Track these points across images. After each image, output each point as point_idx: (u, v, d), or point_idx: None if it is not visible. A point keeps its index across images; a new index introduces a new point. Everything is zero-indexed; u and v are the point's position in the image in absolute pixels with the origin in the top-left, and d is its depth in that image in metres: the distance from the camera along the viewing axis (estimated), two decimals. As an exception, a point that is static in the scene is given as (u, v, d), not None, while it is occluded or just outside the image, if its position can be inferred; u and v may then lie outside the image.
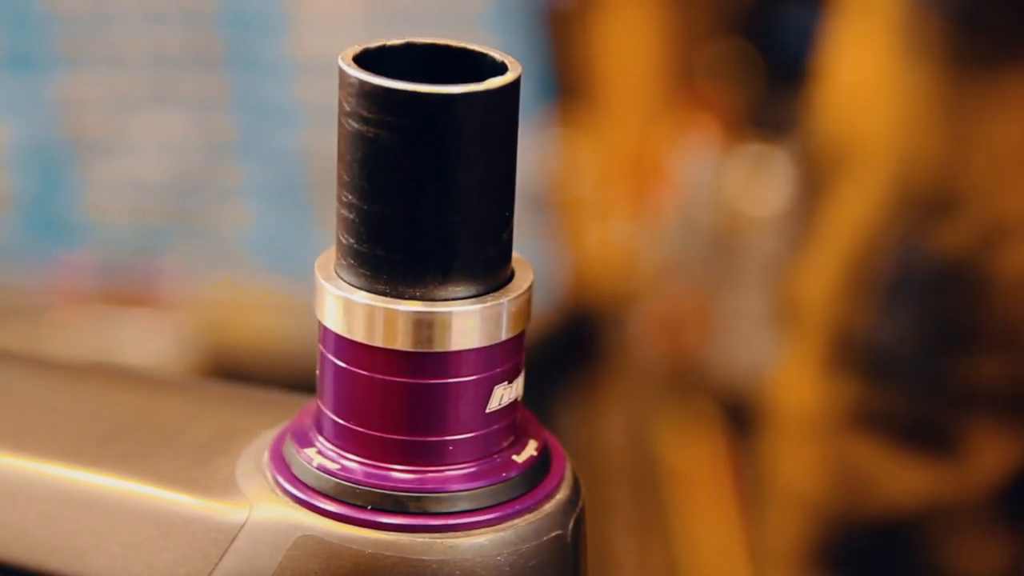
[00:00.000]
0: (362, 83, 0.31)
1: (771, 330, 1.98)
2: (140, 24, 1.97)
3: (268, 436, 0.34)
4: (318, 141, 1.94)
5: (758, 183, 1.98)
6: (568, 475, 0.34)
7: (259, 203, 2.00)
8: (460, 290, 0.32)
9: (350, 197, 0.32)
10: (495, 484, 0.32)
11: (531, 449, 0.33)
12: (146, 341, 1.88)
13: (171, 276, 2.00)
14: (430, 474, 0.32)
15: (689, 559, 2.01)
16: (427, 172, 0.31)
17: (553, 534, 0.32)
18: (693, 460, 2.03)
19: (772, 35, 2.02)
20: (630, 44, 1.90)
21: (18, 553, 0.33)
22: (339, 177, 0.32)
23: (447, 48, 0.35)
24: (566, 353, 1.83)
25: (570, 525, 0.33)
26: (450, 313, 0.32)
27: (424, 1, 1.89)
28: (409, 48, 0.35)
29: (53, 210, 2.07)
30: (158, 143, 2.02)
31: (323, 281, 0.32)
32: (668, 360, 1.99)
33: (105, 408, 0.36)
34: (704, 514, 2.02)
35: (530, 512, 0.32)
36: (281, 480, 0.32)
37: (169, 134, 2.01)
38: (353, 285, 0.32)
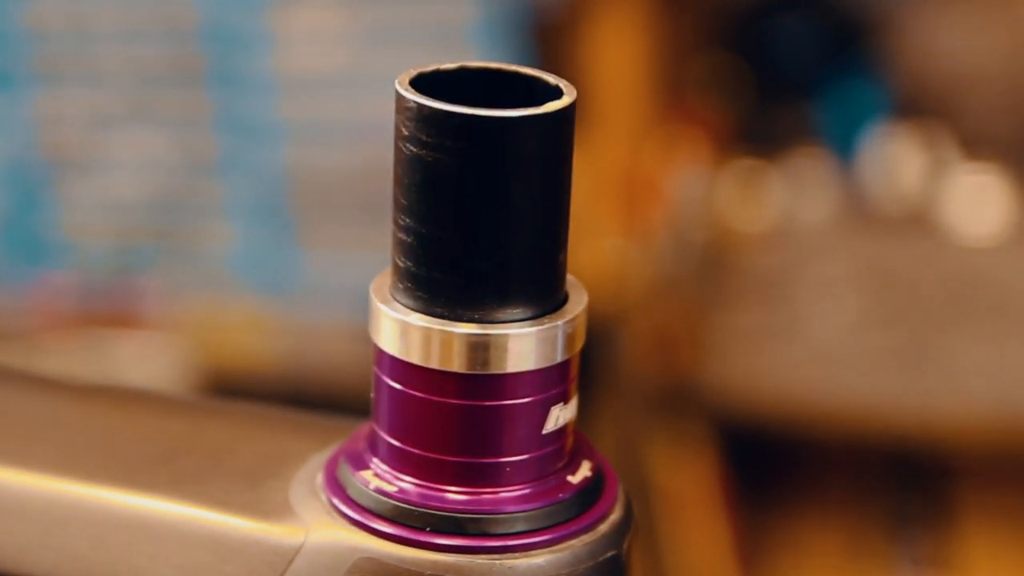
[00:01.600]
0: (421, 107, 0.32)
1: (765, 348, 1.98)
2: (120, 41, 1.97)
3: (319, 459, 0.34)
4: (301, 159, 1.94)
5: (749, 199, 1.98)
6: (621, 496, 0.34)
7: (241, 222, 1.99)
8: (516, 312, 0.32)
9: (408, 220, 0.32)
10: (551, 505, 0.33)
11: (585, 470, 0.34)
12: (141, 363, 1.88)
13: (153, 296, 2.00)
14: (486, 495, 0.32)
15: (687, 568, 2.02)
16: (485, 195, 0.31)
17: (609, 554, 0.33)
18: (685, 480, 2.04)
19: (763, 49, 2.03)
20: (620, 59, 1.91)
21: (65, 570, 0.34)
22: (395, 200, 0.32)
23: (500, 71, 0.35)
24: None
25: (624, 546, 0.33)
26: (507, 335, 0.32)
27: (411, 16, 1.89)
28: (462, 72, 0.35)
29: (32, 230, 2.07)
30: (138, 161, 2.02)
31: (379, 304, 0.33)
32: (660, 378, 1.99)
33: (152, 432, 0.36)
34: (695, 535, 2.03)
35: (586, 533, 0.33)
36: (337, 502, 0.33)
37: (150, 152, 2.01)
38: (409, 307, 0.32)
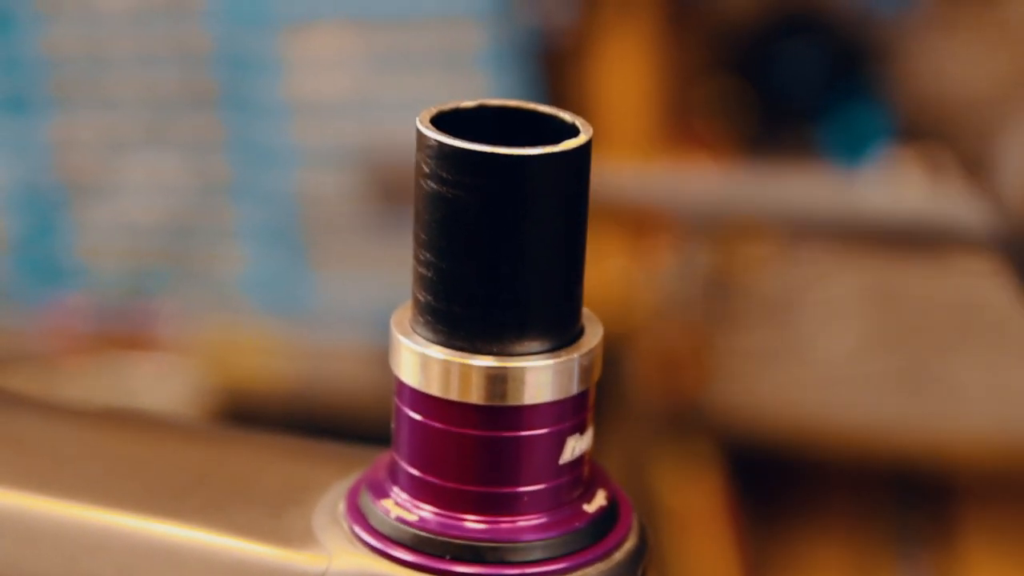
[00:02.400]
0: (441, 145, 0.32)
1: (769, 369, 1.98)
2: (134, 66, 1.98)
3: (341, 487, 0.34)
4: (312, 183, 1.95)
5: (763, 243, 1.99)
6: (635, 524, 0.34)
7: (253, 244, 2.00)
8: (534, 345, 0.32)
9: (428, 255, 0.32)
10: (568, 533, 0.33)
11: (601, 499, 0.34)
12: (156, 384, 1.88)
13: (167, 318, 2.00)
14: (505, 524, 0.33)
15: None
16: (504, 231, 0.32)
17: None
18: (691, 499, 2.03)
19: (768, 74, 2.03)
20: (627, 83, 1.91)
21: None
22: (416, 236, 0.33)
23: (518, 110, 0.35)
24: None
25: (639, 572, 0.34)
26: (524, 368, 0.32)
27: (420, 43, 1.89)
28: (481, 110, 0.35)
29: (47, 253, 2.07)
30: (152, 185, 2.02)
31: (400, 337, 0.33)
32: (666, 399, 1.99)
33: (177, 460, 0.37)
34: (702, 553, 2.03)
35: (601, 561, 0.33)
36: (359, 531, 0.33)
37: (163, 176, 2.01)
38: (429, 340, 0.32)
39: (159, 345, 1.98)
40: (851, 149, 2.03)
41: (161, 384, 1.89)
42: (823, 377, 1.96)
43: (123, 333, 2.01)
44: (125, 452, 0.37)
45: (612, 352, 1.43)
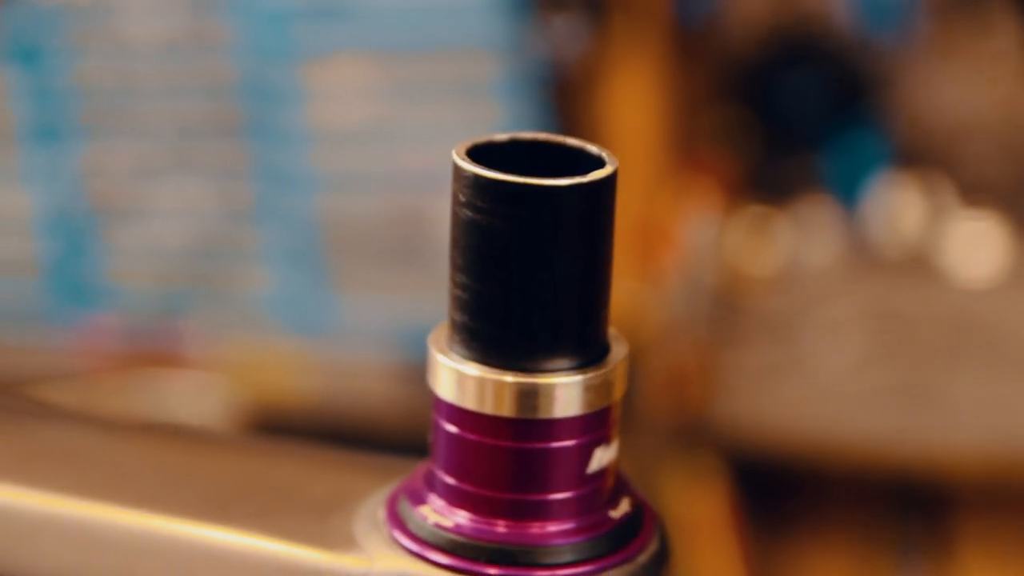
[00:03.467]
0: (476, 177, 0.33)
1: (773, 385, 1.98)
2: (162, 96, 1.98)
3: (380, 495, 0.35)
4: (333, 207, 1.95)
5: (758, 244, 1.98)
6: (658, 530, 0.35)
7: (277, 266, 2.00)
8: (563, 362, 0.33)
9: (463, 278, 0.33)
10: (593, 538, 0.33)
11: (625, 506, 0.34)
12: (186, 401, 1.88)
13: (195, 338, 2.00)
14: (535, 529, 0.33)
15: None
16: (534, 256, 0.32)
17: None
18: (698, 509, 2.03)
19: (771, 103, 2.03)
20: (635, 113, 1.91)
21: None
22: (452, 260, 0.33)
23: (548, 143, 0.36)
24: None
25: (661, 575, 0.34)
26: (554, 384, 0.33)
27: (437, 73, 1.89)
28: (513, 143, 0.36)
29: (79, 275, 2.08)
30: (180, 210, 2.02)
31: (437, 354, 0.33)
32: (674, 413, 1.99)
33: (226, 470, 0.37)
34: (709, 561, 2.02)
35: (626, 564, 0.33)
36: (398, 535, 0.33)
37: (191, 201, 2.01)
38: (465, 358, 0.33)
39: (188, 363, 1.98)
40: (852, 174, 2.03)
41: (191, 400, 1.89)
42: (825, 392, 1.96)
43: (154, 351, 2.01)
44: (174, 462, 0.38)
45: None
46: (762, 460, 2.06)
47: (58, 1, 1.96)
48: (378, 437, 1.71)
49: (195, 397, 1.90)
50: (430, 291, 1.81)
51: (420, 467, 0.35)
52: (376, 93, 1.91)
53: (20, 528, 0.36)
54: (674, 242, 1.94)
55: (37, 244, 2.08)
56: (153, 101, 1.98)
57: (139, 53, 1.97)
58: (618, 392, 0.34)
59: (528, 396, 0.33)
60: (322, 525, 0.35)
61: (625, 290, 1.88)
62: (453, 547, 0.33)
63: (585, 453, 0.33)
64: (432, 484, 0.34)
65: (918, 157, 2.02)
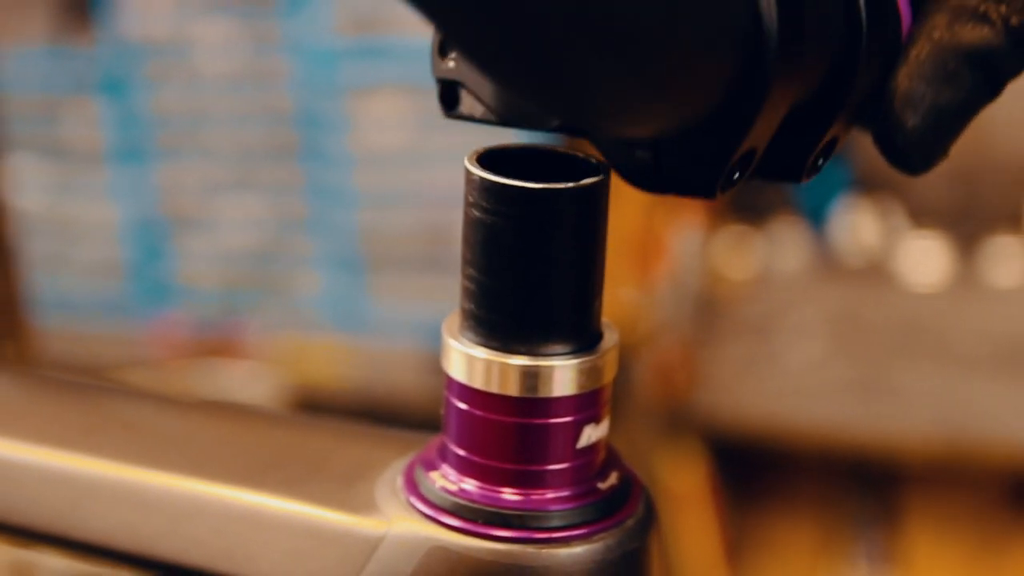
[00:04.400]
0: (483, 180, 0.32)
1: (748, 378, 1.97)
2: (228, 123, 1.98)
3: (399, 465, 0.34)
4: (372, 221, 1.95)
5: (737, 256, 1.98)
6: (645, 500, 0.34)
7: (325, 271, 2.00)
8: (559, 348, 0.32)
9: (472, 271, 0.32)
10: (586, 505, 0.33)
11: (613, 479, 0.34)
12: (243, 386, 1.88)
13: (253, 332, 2.00)
14: (533, 496, 0.32)
15: (680, 560, 2.01)
16: (534, 252, 0.31)
17: (633, 546, 0.33)
18: (682, 485, 2.03)
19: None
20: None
21: (200, 559, 0.34)
22: (463, 256, 0.32)
23: (550, 152, 0.35)
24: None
25: (647, 539, 0.33)
26: (552, 366, 0.32)
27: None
28: (519, 150, 0.35)
29: (155, 276, 2.08)
30: (241, 221, 2.02)
31: (450, 340, 0.33)
32: (662, 402, 1.99)
33: (263, 442, 0.36)
34: (691, 530, 2.02)
35: (615, 528, 0.33)
36: (413, 501, 0.33)
37: (251, 213, 2.01)
38: (473, 343, 0.32)
39: (246, 353, 1.98)
40: (818, 198, 2.03)
41: (247, 385, 1.89)
42: (793, 384, 1.95)
43: (216, 343, 2.01)
44: (220, 435, 0.37)
45: (620, 362, 1.42)
46: (738, 442, 2.06)
47: (140, 39, 1.96)
48: (405, 417, 1.71)
49: (250, 382, 1.90)
50: (453, 294, 1.81)
51: (434, 440, 0.34)
52: (410, 122, 1.91)
53: (84, 491, 0.35)
54: (664, 255, 1.93)
55: (121, 250, 2.08)
56: (220, 127, 1.98)
57: (209, 85, 1.97)
58: (608, 376, 0.33)
59: (529, 377, 0.32)
60: (347, 491, 0.34)
61: (623, 295, 1.88)
62: (462, 511, 0.32)
63: (576, 430, 0.33)
64: (444, 455, 0.33)
65: (875, 183, 2.01)
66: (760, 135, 0.29)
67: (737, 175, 0.29)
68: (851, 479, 2.13)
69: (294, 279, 2.02)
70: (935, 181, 1.98)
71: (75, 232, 2.07)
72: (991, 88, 0.31)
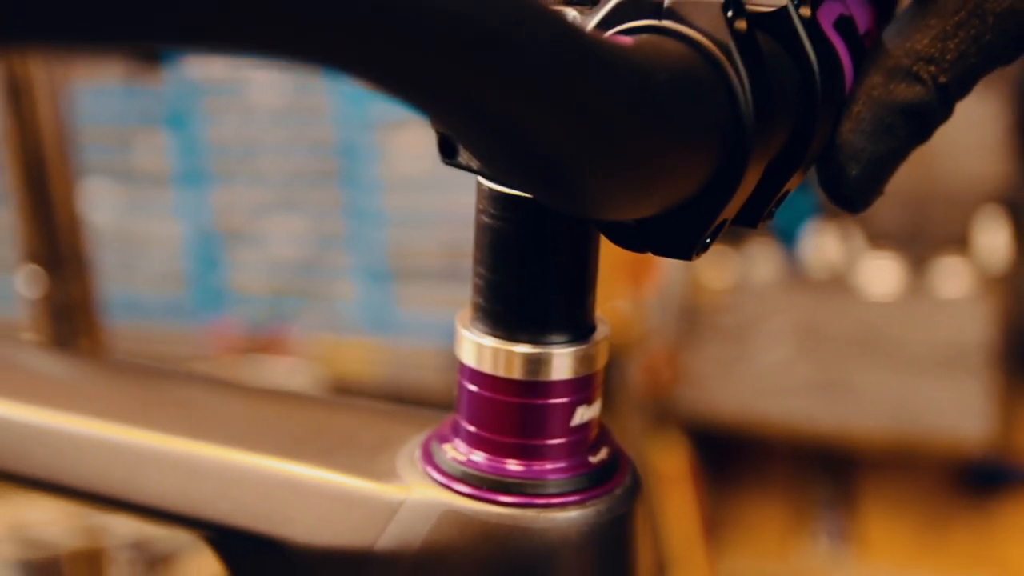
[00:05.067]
0: (490, 190, 0.32)
1: (724, 376, 1.97)
2: (276, 151, 1.99)
3: (417, 439, 0.34)
4: (399, 237, 1.95)
5: (716, 272, 1.98)
6: (632, 472, 0.34)
7: (358, 281, 2.00)
8: (557, 337, 0.32)
9: (481, 270, 0.32)
10: (578, 476, 0.33)
11: (604, 453, 0.33)
12: (286, 379, 1.89)
13: (295, 333, 2.00)
14: (534, 467, 0.32)
15: (666, 531, 2.01)
16: (534, 253, 0.31)
17: (621, 511, 0.33)
18: (667, 467, 2.03)
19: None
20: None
21: (243, 521, 0.34)
22: (474, 256, 0.32)
23: None
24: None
25: (633, 506, 0.33)
26: (551, 353, 0.32)
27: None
28: None
29: (211, 284, 2.08)
30: (287, 236, 2.03)
31: (462, 330, 0.33)
32: (650, 397, 1.99)
33: (299, 419, 0.36)
34: (674, 508, 2.01)
35: (604, 496, 0.32)
36: (430, 471, 0.33)
37: (295, 230, 2.02)
38: (483, 332, 0.32)
39: (289, 350, 1.99)
40: (788, 221, 2.02)
41: (289, 378, 1.90)
42: (764, 383, 1.95)
43: (264, 342, 2.01)
44: (264, 412, 0.37)
45: (615, 364, 1.42)
46: (715, 432, 2.06)
47: (201, 79, 1.97)
48: (424, 405, 1.72)
49: (292, 376, 1.91)
50: (469, 300, 1.82)
51: (448, 418, 0.34)
52: (433, 152, 1.91)
53: (145, 460, 0.35)
54: (654, 271, 1.94)
55: (182, 261, 2.09)
56: (269, 155, 1.99)
57: (260, 119, 1.98)
58: (600, 362, 0.33)
59: (531, 363, 0.32)
60: (372, 461, 0.34)
61: (618, 306, 1.88)
62: (471, 479, 0.32)
63: (571, 409, 0.32)
64: (456, 431, 0.33)
65: (837, 210, 2.01)
66: (733, 207, 0.29)
67: (710, 240, 0.29)
68: (814, 466, 2.13)
69: (331, 287, 2.02)
70: (889, 208, 1.98)
71: (143, 245, 2.08)
72: (922, 136, 0.32)
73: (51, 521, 1.07)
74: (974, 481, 2.03)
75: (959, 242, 1.93)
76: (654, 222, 0.29)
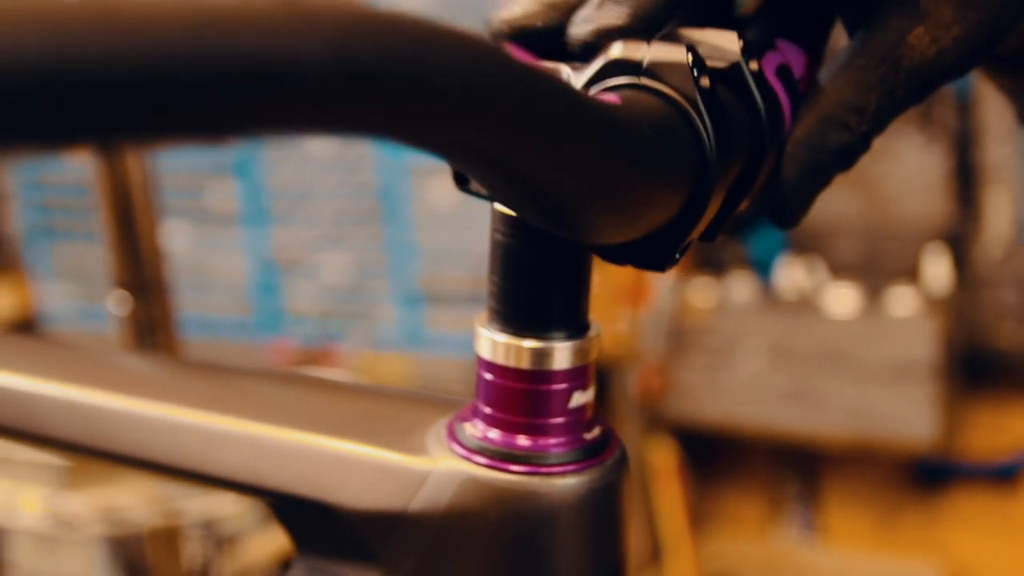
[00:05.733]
0: (501, 213, 0.32)
1: (707, 386, 1.96)
2: (326, 194, 1.99)
3: (443, 420, 0.34)
4: (430, 269, 1.95)
5: (702, 297, 1.98)
6: (619, 448, 0.34)
7: (395, 305, 2.00)
8: (557, 334, 0.32)
9: (495, 278, 0.32)
10: (575, 449, 0.33)
11: (596, 432, 0.33)
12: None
13: (342, 349, 2.01)
14: (539, 442, 0.32)
15: (658, 520, 1.99)
16: (535, 263, 0.31)
17: (611, 479, 0.33)
18: (657, 464, 2.02)
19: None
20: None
21: (298, 488, 0.34)
22: (489, 266, 0.33)
23: None
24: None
25: (621, 475, 0.33)
26: (553, 347, 0.32)
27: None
28: None
29: (271, 309, 2.09)
30: (335, 267, 2.03)
31: (480, 328, 0.33)
32: (644, 404, 1.98)
33: (345, 403, 0.37)
34: (664, 499, 2.00)
35: (597, 466, 0.32)
36: (453, 445, 0.33)
37: (342, 262, 2.02)
38: (496, 330, 0.32)
39: (336, 363, 1.99)
40: (764, 256, 2.02)
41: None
42: (741, 392, 1.94)
43: (315, 356, 2.02)
44: (314, 398, 0.38)
45: (615, 375, 1.42)
46: (699, 434, 2.05)
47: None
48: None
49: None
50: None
51: (468, 403, 0.35)
52: (460, 195, 1.91)
53: (216, 439, 0.36)
54: (648, 297, 1.93)
55: (247, 288, 2.09)
56: (320, 197, 2.00)
57: (313, 166, 1.99)
58: (593, 355, 0.33)
59: (536, 355, 0.32)
60: (405, 438, 0.34)
61: (618, 327, 1.88)
62: (487, 452, 0.33)
63: (568, 394, 0.33)
64: (475, 412, 0.34)
65: (805, 246, 2.01)
66: (699, 229, 0.30)
67: (679, 255, 0.30)
68: (785, 464, 2.12)
69: (372, 310, 2.02)
70: (848, 243, 1.98)
71: (214, 274, 2.08)
72: (846, 168, 0.34)
73: (135, 504, 1.07)
74: (922, 477, 2.02)
75: (908, 272, 1.93)
76: (635, 242, 0.30)
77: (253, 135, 0.19)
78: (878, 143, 0.34)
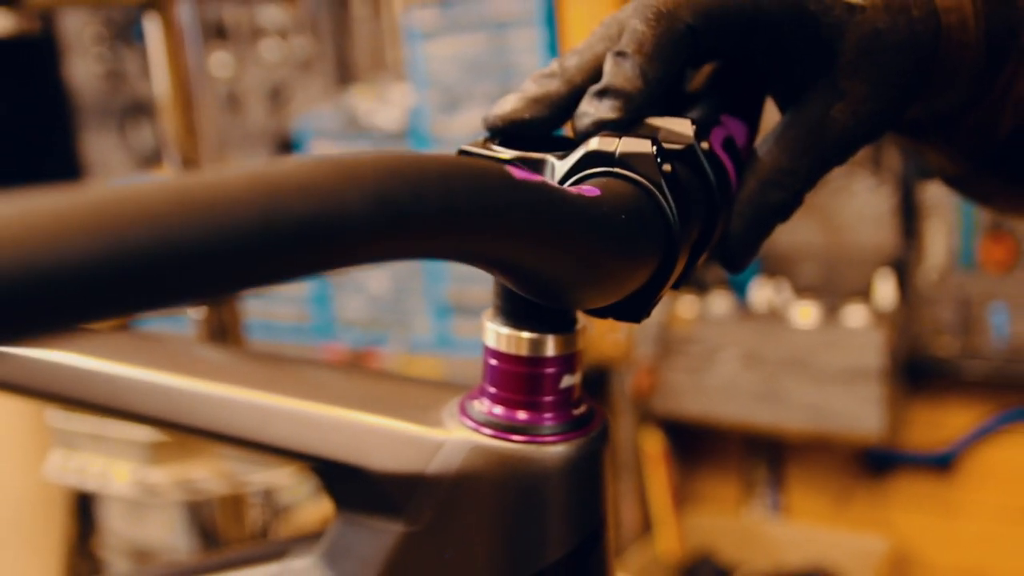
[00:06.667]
0: None
1: (690, 386, 1.96)
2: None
3: (457, 399, 0.35)
4: (457, 287, 1.96)
5: (687, 310, 1.97)
6: (603, 423, 0.34)
7: (429, 316, 2.01)
8: (551, 327, 0.32)
9: (497, 278, 0.33)
10: (565, 422, 0.33)
11: (583, 408, 0.34)
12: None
13: (384, 353, 2.01)
14: (535, 416, 0.33)
15: (650, 497, 1.99)
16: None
17: (594, 448, 0.33)
18: (649, 450, 2.01)
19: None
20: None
21: (334, 453, 0.34)
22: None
23: None
24: (590, 391, 1.81)
25: (602, 445, 0.33)
26: (547, 338, 0.32)
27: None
28: None
29: (324, 317, 2.09)
30: (379, 285, 2.04)
31: (487, 322, 0.33)
32: (635, 401, 1.98)
33: (376, 385, 0.37)
34: (652, 481, 2.00)
35: (583, 437, 0.33)
36: (464, 420, 0.33)
37: (384, 280, 2.03)
38: (500, 323, 0.33)
39: (379, 365, 1.99)
40: (740, 277, 2.02)
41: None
42: (719, 391, 1.94)
43: (360, 358, 2.02)
44: (350, 381, 0.38)
45: (613, 372, 1.41)
46: (683, 427, 2.04)
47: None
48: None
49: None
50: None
51: (477, 385, 0.35)
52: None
53: (269, 413, 0.36)
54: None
55: (306, 301, 2.10)
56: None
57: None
58: (580, 345, 0.33)
59: (534, 344, 0.32)
60: (423, 413, 0.35)
61: (616, 336, 1.87)
62: (492, 425, 0.33)
63: (559, 376, 0.33)
64: (483, 392, 0.34)
65: (773, 270, 2.00)
66: (668, 286, 0.31)
67: (652, 308, 0.31)
68: (755, 452, 2.11)
69: (410, 320, 2.03)
70: (810, 267, 1.97)
71: (276, 290, 2.09)
72: (784, 220, 0.34)
73: (207, 476, 1.08)
74: (871, 464, 2.01)
75: (861, 291, 1.93)
76: (615, 302, 0.31)
77: (320, 273, 0.20)
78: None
